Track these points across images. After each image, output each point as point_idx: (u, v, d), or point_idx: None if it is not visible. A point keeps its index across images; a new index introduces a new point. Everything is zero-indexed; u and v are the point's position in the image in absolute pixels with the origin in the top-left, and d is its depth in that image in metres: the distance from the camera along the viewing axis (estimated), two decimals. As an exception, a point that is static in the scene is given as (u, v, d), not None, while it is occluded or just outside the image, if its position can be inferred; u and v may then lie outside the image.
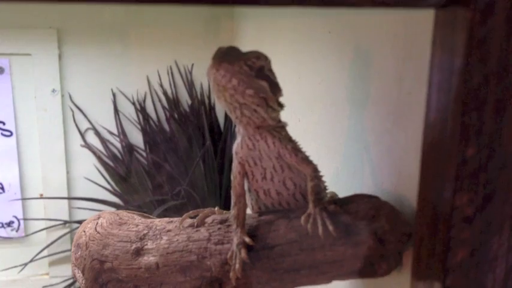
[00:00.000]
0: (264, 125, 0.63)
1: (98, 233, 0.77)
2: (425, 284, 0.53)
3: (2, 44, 1.62)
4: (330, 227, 0.59)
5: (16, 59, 1.64)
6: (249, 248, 0.64)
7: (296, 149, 0.64)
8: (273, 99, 0.61)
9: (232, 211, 0.67)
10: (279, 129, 0.64)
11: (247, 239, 0.64)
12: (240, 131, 0.65)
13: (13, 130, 1.67)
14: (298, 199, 0.67)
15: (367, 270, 0.60)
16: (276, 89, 0.62)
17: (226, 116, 1.74)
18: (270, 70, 0.62)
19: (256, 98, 0.58)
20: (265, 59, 0.60)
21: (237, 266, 0.63)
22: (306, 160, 0.64)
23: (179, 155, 1.68)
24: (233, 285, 0.65)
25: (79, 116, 1.72)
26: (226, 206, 0.76)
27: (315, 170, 0.65)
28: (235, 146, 0.66)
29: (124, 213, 0.81)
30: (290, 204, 0.67)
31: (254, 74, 0.58)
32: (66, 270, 1.76)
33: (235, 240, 0.65)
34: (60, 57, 1.66)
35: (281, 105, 0.63)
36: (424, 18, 0.54)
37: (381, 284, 0.68)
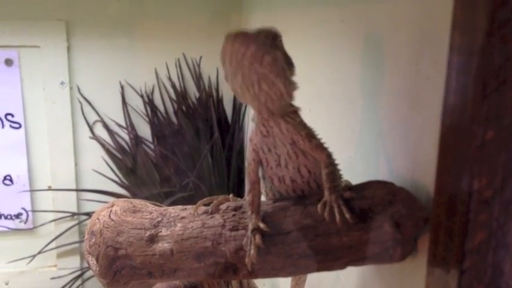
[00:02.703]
0: (279, 106, 0.62)
1: (112, 220, 0.77)
2: (442, 268, 0.53)
3: (11, 36, 1.62)
4: (347, 215, 0.59)
5: (25, 51, 1.65)
6: (263, 234, 0.64)
7: (310, 135, 0.64)
8: (289, 71, 0.60)
9: (247, 197, 0.68)
10: (292, 115, 0.64)
11: (261, 225, 0.64)
12: (254, 118, 0.65)
13: (22, 122, 1.68)
14: (312, 187, 0.67)
15: (382, 256, 0.61)
16: (289, 63, 0.61)
17: (234, 109, 1.74)
18: (282, 45, 0.61)
19: (274, 66, 0.57)
20: (277, 32, 0.60)
21: (252, 251, 0.63)
22: (320, 146, 0.64)
23: (187, 148, 1.69)
24: (248, 271, 0.66)
25: (87, 108, 1.72)
26: (235, 197, 0.77)
27: (329, 156, 0.64)
28: (250, 133, 0.66)
29: (137, 201, 0.81)
30: (304, 192, 0.67)
31: (269, 43, 0.58)
32: (74, 262, 1.77)
33: (250, 226, 0.65)
34: (68, 49, 1.66)
35: (295, 83, 0.63)
36: (440, 3, 0.54)
37: (395, 270, 0.68)
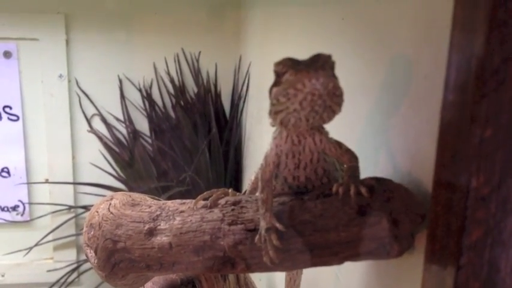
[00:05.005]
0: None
1: (111, 213, 0.78)
2: (438, 264, 0.54)
3: (10, 29, 1.63)
4: (363, 189, 0.60)
5: (24, 44, 1.65)
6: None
7: (339, 142, 0.65)
8: None
9: (261, 195, 0.67)
10: (323, 126, 0.64)
11: (278, 225, 0.63)
12: (280, 131, 0.64)
13: (20, 115, 1.68)
14: (324, 182, 0.68)
15: (379, 252, 0.61)
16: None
17: (232, 104, 1.75)
18: None
19: (340, 97, 0.57)
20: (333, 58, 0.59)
21: (271, 252, 0.62)
22: (349, 151, 0.65)
23: (184, 142, 1.69)
24: (245, 265, 0.66)
25: (85, 102, 1.72)
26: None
27: (356, 158, 0.66)
28: (278, 138, 0.65)
29: (136, 195, 0.82)
30: (315, 186, 0.68)
31: (333, 74, 0.57)
32: (70, 255, 1.78)
33: (264, 225, 0.64)
34: (67, 42, 1.66)
35: None
36: (441, 1, 0.54)
37: (392, 266, 0.69)
